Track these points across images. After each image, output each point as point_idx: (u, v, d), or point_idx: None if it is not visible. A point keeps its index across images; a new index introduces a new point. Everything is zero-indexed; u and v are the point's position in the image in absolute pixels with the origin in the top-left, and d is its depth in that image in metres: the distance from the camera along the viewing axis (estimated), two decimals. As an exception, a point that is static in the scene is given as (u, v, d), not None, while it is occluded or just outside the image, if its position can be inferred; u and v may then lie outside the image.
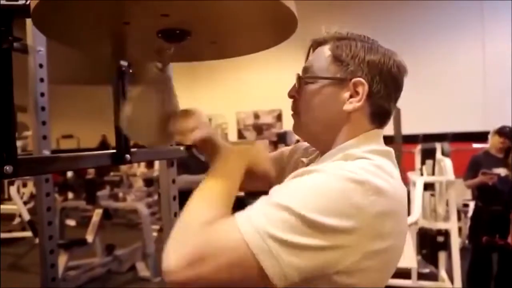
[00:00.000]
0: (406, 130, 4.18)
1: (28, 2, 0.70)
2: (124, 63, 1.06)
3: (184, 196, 1.43)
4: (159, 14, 0.66)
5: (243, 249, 0.47)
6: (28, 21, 1.34)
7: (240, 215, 0.50)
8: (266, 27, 0.75)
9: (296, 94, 0.68)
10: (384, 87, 0.62)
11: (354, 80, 0.61)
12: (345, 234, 0.48)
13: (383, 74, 0.62)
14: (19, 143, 4.55)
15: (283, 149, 0.91)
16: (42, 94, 1.33)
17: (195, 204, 0.55)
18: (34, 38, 1.35)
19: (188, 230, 0.51)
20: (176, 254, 0.48)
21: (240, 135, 8.47)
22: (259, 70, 7.41)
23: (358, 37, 0.65)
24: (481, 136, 4.41)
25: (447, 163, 2.66)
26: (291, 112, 0.70)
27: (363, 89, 0.61)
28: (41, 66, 1.35)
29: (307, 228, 0.47)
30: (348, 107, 0.61)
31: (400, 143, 3.47)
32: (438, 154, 2.96)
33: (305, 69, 0.68)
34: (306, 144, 0.79)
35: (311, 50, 0.70)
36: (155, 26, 0.73)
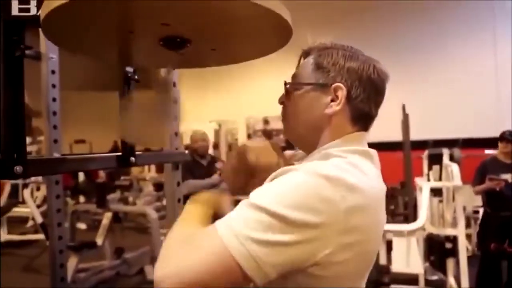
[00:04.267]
0: (416, 135, 4.16)
1: (38, 13, 0.74)
2: (130, 69, 1.11)
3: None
4: (159, 23, 0.70)
5: (224, 254, 0.50)
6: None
7: (220, 221, 0.53)
8: (262, 35, 0.79)
9: (285, 100, 0.73)
10: (363, 91, 0.66)
11: (334, 85, 0.66)
12: (315, 228, 0.51)
13: (363, 79, 0.66)
14: (34, 148, 4.67)
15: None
16: (54, 99, 1.38)
17: (176, 230, 0.60)
18: (47, 46, 1.41)
19: (173, 245, 0.56)
20: (163, 265, 0.52)
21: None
22: (269, 75, 7.44)
23: (340, 47, 0.70)
24: (494, 142, 4.36)
25: (454, 169, 2.64)
26: (281, 118, 0.75)
27: (342, 94, 0.65)
28: (53, 72, 1.41)
29: (280, 224, 0.50)
30: (328, 110, 0.66)
31: (409, 149, 3.45)
32: (445, 160, 2.94)
33: (293, 77, 0.73)
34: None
35: (301, 59, 0.75)
36: (157, 34, 0.77)
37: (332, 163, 0.57)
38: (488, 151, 4.90)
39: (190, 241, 0.53)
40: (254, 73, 7.66)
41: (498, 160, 2.99)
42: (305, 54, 0.73)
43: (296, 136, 0.72)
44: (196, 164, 3.11)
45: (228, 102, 8.32)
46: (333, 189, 0.52)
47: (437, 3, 6.47)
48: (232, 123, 8.02)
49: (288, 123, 0.72)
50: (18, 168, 0.75)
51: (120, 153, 1.11)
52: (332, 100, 0.66)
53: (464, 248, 2.60)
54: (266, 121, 8.43)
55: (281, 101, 0.74)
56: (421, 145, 4.35)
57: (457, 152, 3.87)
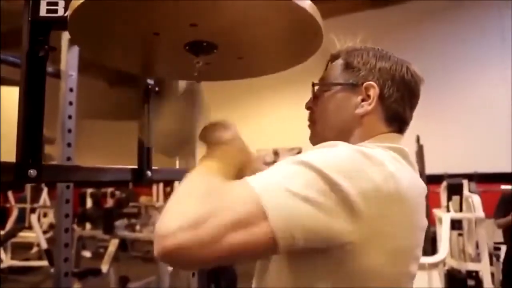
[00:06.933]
0: (431, 169, 4.07)
1: (66, 14, 0.73)
2: (150, 81, 1.09)
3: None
4: (187, 24, 0.68)
5: (253, 203, 0.43)
6: (63, 49, 1.42)
7: (251, 176, 0.47)
8: (290, 41, 0.76)
9: (312, 104, 0.70)
10: (397, 91, 0.63)
11: (365, 84, 0.63)
12: (356, 206, 0.46)
13: (396, 79, 0.63)
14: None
15: None
16: (70, 117, 1.37)
17: (189, 185, 0.51)
18: (67, 64, 1.42)
19: (191, 197, 0.47)
20: (175, 217, 0.44)
21: (259, 172, 8.45)
22: (279, 107, 7.50)
23: (371, 48, 0.68)
24: (510, 177, 4.24)
25: (475, 199, 2.54)
26: (308, 123, 0.72)
27: (374, 93, 0.62)
28: (71, 90, 1.41)
29: (323, 184, 0.45)
30: (359, 110, 0.63)
31: (424, 179, 3.36)
32: (465, 191, 2.85)
33: (321, 79, 0.71)
34: None
35: (329, 64, 0.73)
36: (183, 38, 0.75)
37: (374, 149, 0.53)
38: (504, 187, 4.77)
39: (214, 192, 0.46)
40: (264, 106, 7.73)
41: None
42: (334, 57, 0.71)
43: (324, 140, 0.68)
44: None
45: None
46: (378, 172, 0.49)
47: (453, 33, 6.51)
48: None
49: (316, 128, 0.69)
50: (32, 172, 0.73)
51: (136, 167, 1.08)
52: (363, 100, 0.63)
53: (489, 284, 2.45)
54: (276, 153, 8.40)
55: (308, 106, 0.71)
56: (435, 179, 4.24)
57: (473, 186, 3.75)
